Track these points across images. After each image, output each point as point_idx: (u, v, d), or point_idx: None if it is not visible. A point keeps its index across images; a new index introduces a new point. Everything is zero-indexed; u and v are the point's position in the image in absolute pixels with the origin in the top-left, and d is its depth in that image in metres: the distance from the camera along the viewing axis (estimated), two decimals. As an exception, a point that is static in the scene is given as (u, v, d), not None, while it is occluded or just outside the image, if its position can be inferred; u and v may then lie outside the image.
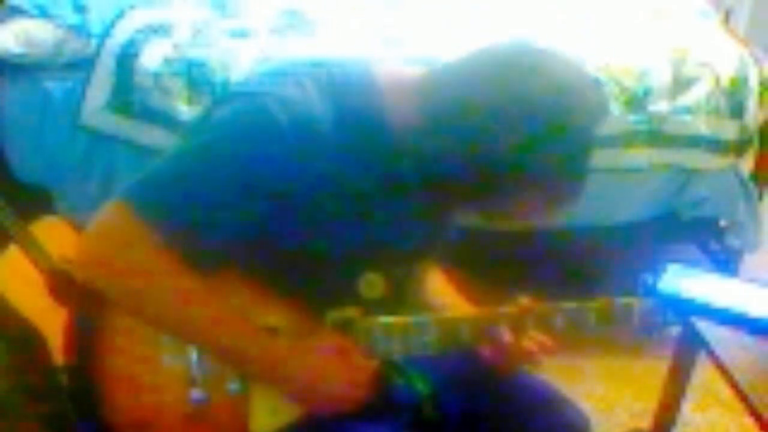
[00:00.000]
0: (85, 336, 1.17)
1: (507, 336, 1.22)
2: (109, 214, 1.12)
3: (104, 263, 1.12)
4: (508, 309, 1.24)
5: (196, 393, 1.17)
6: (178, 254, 1.09)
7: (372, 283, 1.20)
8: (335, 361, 1.16)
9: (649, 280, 1.26)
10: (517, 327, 1.23)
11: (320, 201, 1.12)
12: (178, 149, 1.16)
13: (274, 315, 1.18)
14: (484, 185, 1.10)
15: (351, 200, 1.14)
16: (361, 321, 1.20)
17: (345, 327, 1.19)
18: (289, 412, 1.18)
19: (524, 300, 1.25)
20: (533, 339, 1.24)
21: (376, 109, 1.14)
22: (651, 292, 1.25)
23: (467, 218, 1.26)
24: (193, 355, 1.17)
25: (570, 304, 1.25)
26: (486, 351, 1.24)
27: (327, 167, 1.10)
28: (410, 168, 1.12)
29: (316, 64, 1.17)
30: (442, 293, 1.36)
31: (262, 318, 1.17)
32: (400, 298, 1.24)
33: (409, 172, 1.13)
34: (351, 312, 1.19)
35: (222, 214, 1.09)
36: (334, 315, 1.19)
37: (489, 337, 1.22)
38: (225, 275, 1.15)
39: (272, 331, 1.18)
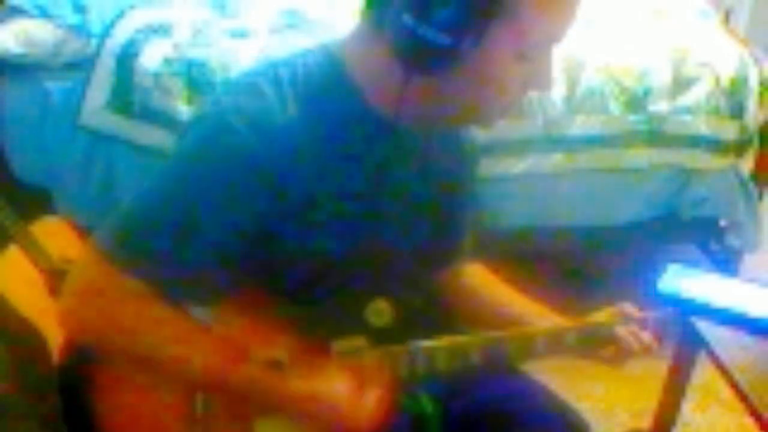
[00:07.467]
0: (79, 373, 1.14)
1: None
2: (83, 267, 1.08)
3: (87, 321, 1.08)
4: (513, 333, 1.21)
5: None
6: (162, 299, 1.05)
7: (380, 311, 1.15)
8: (345, 390, 1.09)
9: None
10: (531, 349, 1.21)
11: (311, 205, 1.07)
12: (148, 187, 1.10)
13: (277, 348, 1.11)
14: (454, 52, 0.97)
15: (341, 191, 1.09)
16: (370, 350, 1.13)
17: (352, 357, 1.12)
18: None
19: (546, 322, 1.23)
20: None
21: (340, 79, 1.08)
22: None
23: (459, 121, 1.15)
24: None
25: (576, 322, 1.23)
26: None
27: (307, 167, 1.05)
28: (388, 120, 1.06)
29: (269, 65, 1.12)
30: (500, 293, 1.31)
31: (264, 352, 1.11)
32: (409, 324, 1.18)
33: (389, 125, 1.07)
34: (358, 341, 1.13)
35: (205, 246, 1.04)
36: (340, 345, 1.12)
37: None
38: (221, 310, 1.11)
39: (276, 365, 1.11)
